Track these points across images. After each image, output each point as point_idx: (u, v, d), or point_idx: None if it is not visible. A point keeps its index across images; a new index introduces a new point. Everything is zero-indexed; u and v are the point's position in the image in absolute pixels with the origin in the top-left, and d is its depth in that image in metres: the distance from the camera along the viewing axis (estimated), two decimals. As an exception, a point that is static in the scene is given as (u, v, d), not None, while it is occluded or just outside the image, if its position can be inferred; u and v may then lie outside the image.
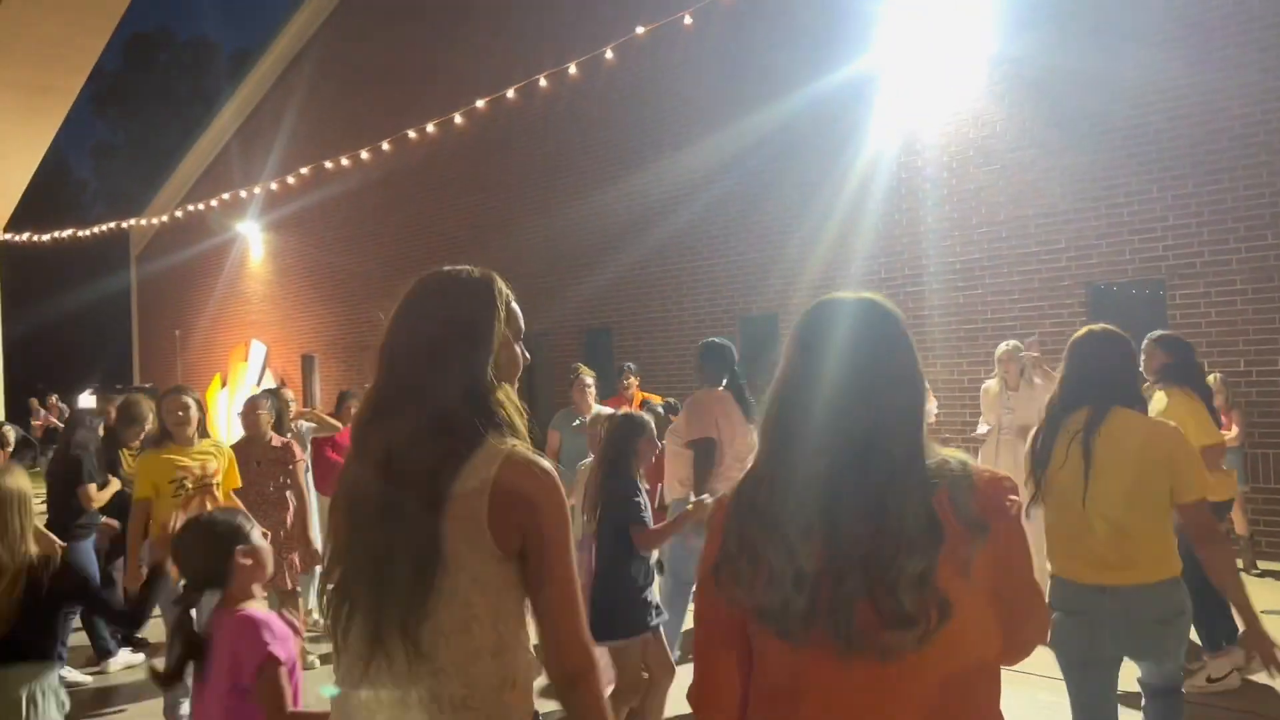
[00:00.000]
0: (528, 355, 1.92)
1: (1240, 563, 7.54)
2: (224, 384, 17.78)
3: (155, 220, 20.20)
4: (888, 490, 1.42)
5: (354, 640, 1.72)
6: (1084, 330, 3.29)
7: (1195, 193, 8.16)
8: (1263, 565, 7.51)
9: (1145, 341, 5.02)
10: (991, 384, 6.94)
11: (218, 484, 4.78)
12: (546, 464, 1.75)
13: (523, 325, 1.92)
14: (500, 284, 1.88)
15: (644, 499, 4.09)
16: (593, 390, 7.33)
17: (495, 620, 1.70)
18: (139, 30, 41.59)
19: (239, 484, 5.03)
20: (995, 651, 1.47)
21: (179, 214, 17.64)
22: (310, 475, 6.76)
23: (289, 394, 8.15)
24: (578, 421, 7.10)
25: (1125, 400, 3.10)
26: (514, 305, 1.89)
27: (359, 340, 17.64)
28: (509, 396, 1.83)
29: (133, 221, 20.24)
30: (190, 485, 4.65)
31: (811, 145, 10.66)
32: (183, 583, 2.60)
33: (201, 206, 17.27)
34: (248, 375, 19.46)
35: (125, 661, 6.04)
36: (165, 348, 22.84)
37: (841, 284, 10.47)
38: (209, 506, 4.57)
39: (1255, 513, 7.70)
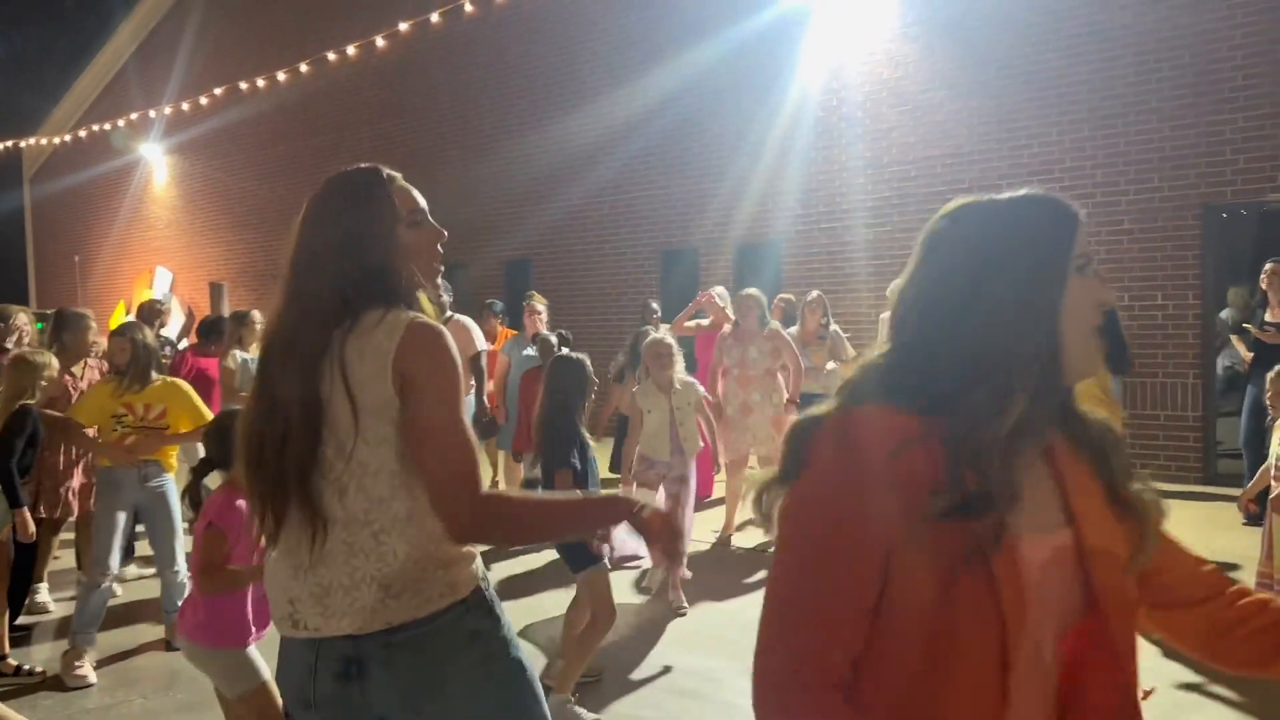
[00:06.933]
0: (443, 232, 1.94)
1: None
2: (128, 311, 17.38)
3: (55, 140, 19.34)
4: None
5: (288, 535, 1.78)
6: None
7: (1090, 136, 8.65)
8: (1136, 484, 8.19)
9: None
10: (887, 314, 7.52)
11: (165, 427, 4.75)
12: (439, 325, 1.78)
13: (421, 203, 1.91)
14: (384, 170, 1.88)
15: (584, 440, 4.18)
16: (544, 318, 7.60)
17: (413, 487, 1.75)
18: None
19: (204, 418, 4.82)
20: None
21: (82, 134, 16.96)
22: None
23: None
24: (529, 350, 7.39)
25: None
26: (403, 184, 1.89)
27: (271, 268, 17.35)
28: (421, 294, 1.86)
29: (30, 141, 19.36)
30: (129, 423, 4.69)
31: (737, 85, 10.86)
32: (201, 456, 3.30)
33: (104, 127, 16.64)
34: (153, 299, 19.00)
35: (135, 573, 6.14)
36: (64, 274, 22.03)
37: (760, 220, 10.81)
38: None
39: (1131, 437, 8.35)
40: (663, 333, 6.09)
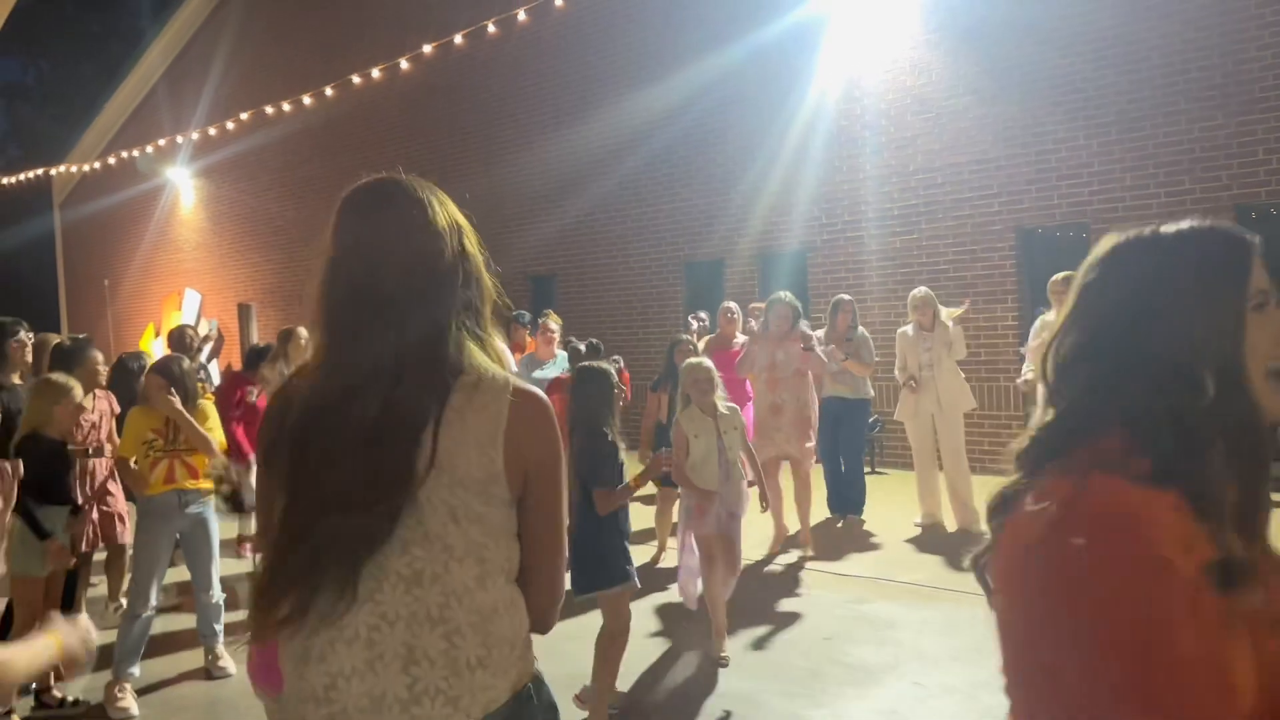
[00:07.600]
0: None
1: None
2: (157, 333, 17.64)
3: (85, 167, 19.62)
4: None
5: (317, 632, 1.43)
6: None
7: (1119, 139, 8.57)
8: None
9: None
10: (907, 329, 7.49)
11: (191, 449, 4.81)
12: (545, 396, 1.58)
13: None
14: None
15: (617, 455, 4.14)
16: (557, 337, 7.57)
17: (510, 572, 1.50)
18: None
19: (217, 439, 4.92)
20: None
21: (111, 160, 17.17)
22: None
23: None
24: (553, 369, 7.37)
25: None
26: None
27: (298, 288, 17.46)
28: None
29: (60, 168, 19.64)
30: (159, 448, 4.77)
31: (755, 93, 10.85)
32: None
33: (132, 153, 16.83)
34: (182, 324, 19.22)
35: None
36: (94, 297, 22.28)
37: (784, 231, 10.78)
38: (176, 469, 4.77)
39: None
40: (701, 358, 5.94)
